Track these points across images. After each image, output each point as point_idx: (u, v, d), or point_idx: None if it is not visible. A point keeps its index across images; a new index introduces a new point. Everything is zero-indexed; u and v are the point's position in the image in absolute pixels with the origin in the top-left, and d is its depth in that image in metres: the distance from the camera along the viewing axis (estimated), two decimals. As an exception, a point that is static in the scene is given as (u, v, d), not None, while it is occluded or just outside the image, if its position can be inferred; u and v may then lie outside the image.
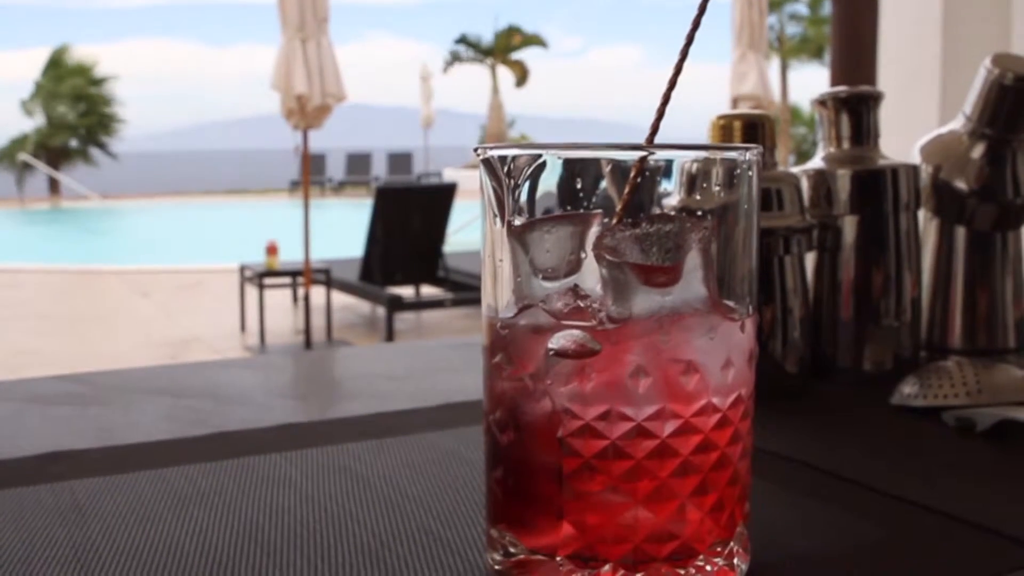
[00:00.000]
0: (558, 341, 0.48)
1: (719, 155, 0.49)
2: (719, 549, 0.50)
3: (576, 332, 0.47)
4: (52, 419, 0.85)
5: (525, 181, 0.48)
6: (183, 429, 0.81)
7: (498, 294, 0.50)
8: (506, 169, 0.49)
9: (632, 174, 0.48)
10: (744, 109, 1.24)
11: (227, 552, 0.55)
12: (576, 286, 0.48)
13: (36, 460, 0.72)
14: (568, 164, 0.48)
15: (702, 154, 0.49)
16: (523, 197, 0.49)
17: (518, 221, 0.49)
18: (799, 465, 0.70)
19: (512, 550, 0.50)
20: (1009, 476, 0.68)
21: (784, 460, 0.71)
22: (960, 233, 0.99)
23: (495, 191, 0.49)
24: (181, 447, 0.75)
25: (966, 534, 0.58)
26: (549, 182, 0.48)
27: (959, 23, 3.61)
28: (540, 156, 0.48)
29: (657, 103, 0.52)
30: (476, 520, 0.59)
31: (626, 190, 0.48)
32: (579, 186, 0.48)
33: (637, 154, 0.47)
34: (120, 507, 0.63)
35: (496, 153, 0.49)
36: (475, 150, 0.50)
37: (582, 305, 0.48)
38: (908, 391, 0.83)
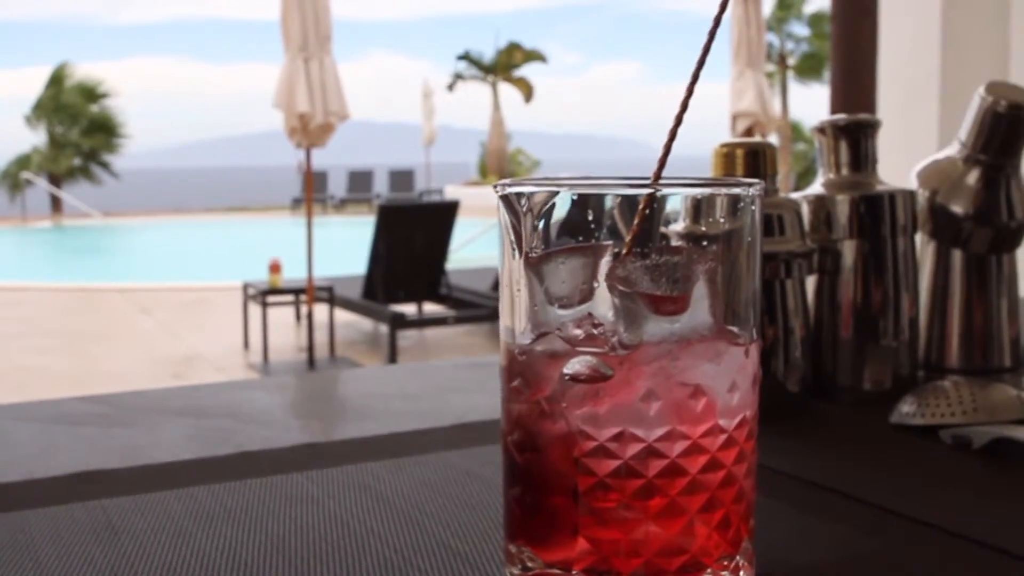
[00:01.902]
0: (573, 366, 0.51)
1: (723, 191, 0.52)
2: (726, 563, 0.52)
3: (590, 358, 0.50)
4: (78, 439, 0.88)
5: (541, 216, 0.51)
6: (206, 449, 0.84)
7: (515, 321, 0.53)
8: (523, 204, 0.52)
9: (641, 206, 0.51)
10: (746, 137, 1.27)
11: (258, 568, 0.58)
12: (590, 314, 0.51)
13: (67, 479, 0.75)
14: (581, 199, 0.51)
15: (707, 191, 0.52)
16: (539, 230, 0.52)
17: (534, 253, 0.52)
18: (801, 482, 0.73)
19: (530, 564, 0.53)
20: (1004, 492, 0.71)
21: (786, 477, 0.74)
22: (956, 255, 1.02)
23: (513, 225, 0.52)
24: (206, 466, 0.78)
25: (962, 547, 0.60)
26: (564, 216, 0.51)
27: (958, 42, 3.65)
28: (556, 193, 0.51)
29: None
30: (493, 536, 0.62)
31: (635, 223, 0.51)
32: (591, 218, 0.51)
33: (646, 191, 0.50)
34: (152, 525, 0.65)
35: (514, 190, 0.52)
36: (494, 187, 0.53)
37: (595, 332, 0.51)
38: (906, 410, 0.86)
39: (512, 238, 0.53)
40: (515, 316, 0.53)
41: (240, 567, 0.58)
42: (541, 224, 0.51)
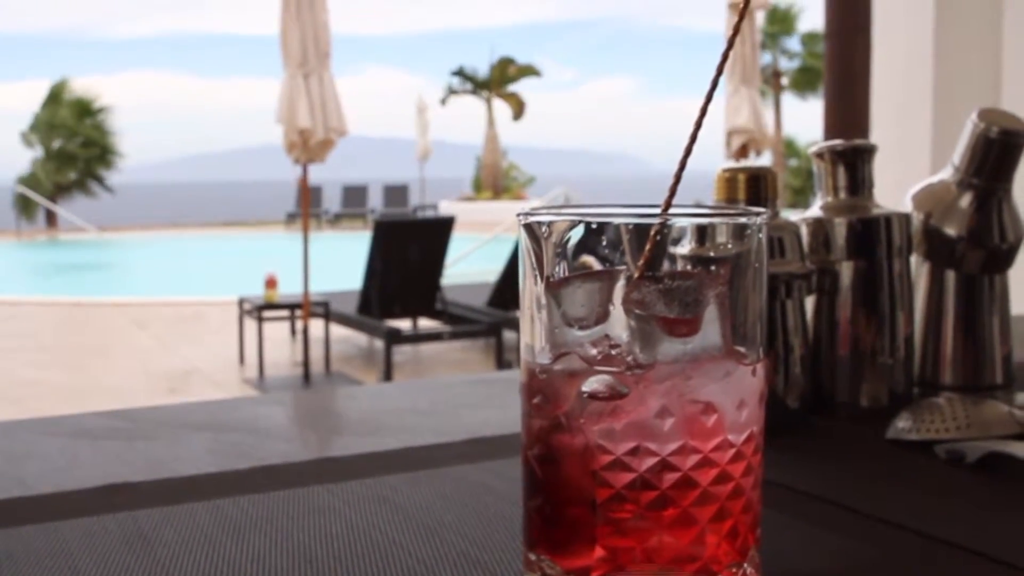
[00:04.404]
0: (591, 384, 0.54)
1: (731, 220, 0.55)
2: (734, 570, 0.55)
3: (607, 376, 0.54)
4: (103, 452, 0.91)
5: (561, 243, 0.55)
6: (227, 462, 0.86)
7: (536, 341, 0.57)
8: (544, 232, 0.55)
9: (652, 232, 0.54)
10: (744, 159, 1.30)
11: (287, 575, 0.61)
12: (606, 335, 0.54)
13: (97, 492, 0.78)
14: (598, 227, 0.55)
15: (716, 220, 0.55)
16: (559, 256, 0.55)
17: (554, 278, 0.55)
18: (802, 494, 0.76)
19: (549, 572, 0.56)
20: (996, 504, 0.74)
21: (788, 490, 0.77)
22: (950, 276, 1.05)
23: (534, 251, 0.56)
24: (228, 479, 0.81)
25: (955, 556, 0.64)
26: (581, 242, 0.55)
27: (950, 60, 3.69)
28: (575, 222, 0.54)
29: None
30: (510, 546, 0.65)
31: (647, 248, 0.54)
32: (606, 244, 0.55)
33: (658, 221, 0.54)
34: (182, 535, 0.68)
35: (536, 219, 0.55)
36: (517, 215, 0.56)
37: (612, 352, 0.54)
38: (902, 425, 0.89)
39: (533, 263, 0.56)
40: (535, 336, 0.56)
41: (270, 574, 0.61)
42: (561, 250, 0.55)
